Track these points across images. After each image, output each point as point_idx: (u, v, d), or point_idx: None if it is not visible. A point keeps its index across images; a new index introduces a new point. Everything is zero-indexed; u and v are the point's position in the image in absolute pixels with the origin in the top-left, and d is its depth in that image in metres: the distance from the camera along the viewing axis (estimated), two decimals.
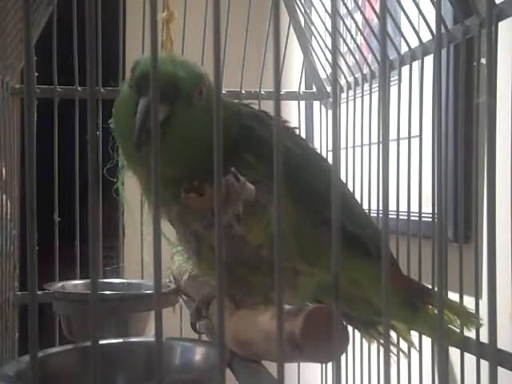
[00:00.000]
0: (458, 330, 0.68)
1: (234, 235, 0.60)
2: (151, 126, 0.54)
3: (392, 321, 0.69)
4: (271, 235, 0.59)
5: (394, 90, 0.88)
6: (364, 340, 0.82)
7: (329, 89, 1.20)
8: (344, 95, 1.07)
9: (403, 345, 0.75)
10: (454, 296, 0.71)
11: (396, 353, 0.76)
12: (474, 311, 0.67)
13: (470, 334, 0.68)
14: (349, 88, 1.05)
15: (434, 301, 0.66)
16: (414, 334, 0.74)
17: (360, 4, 1.00)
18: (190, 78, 0.58)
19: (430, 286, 0.73)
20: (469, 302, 0.69)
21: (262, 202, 0.59)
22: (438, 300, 0.61)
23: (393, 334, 0.73)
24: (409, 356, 0.76)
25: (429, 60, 0.79)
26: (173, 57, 0.60)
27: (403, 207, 0.82)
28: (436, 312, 0.64)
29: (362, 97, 1.00)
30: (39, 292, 0.99)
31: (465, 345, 0.69)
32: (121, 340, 0.68)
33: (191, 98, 0.58)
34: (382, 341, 0.71)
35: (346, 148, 1.03)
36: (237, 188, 0.56)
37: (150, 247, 1.07)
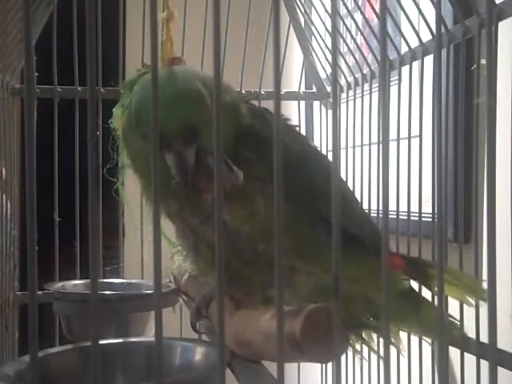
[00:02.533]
0: (457, 324, 0.67)
1: (228, 227, 0.60)
2: (187, 172, 0.56)
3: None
4: (264, 230, 0.59)
5: (394, 90, 0.88)
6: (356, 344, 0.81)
7: (329, 89, 1.20)
8: (344, 95, 1.07)
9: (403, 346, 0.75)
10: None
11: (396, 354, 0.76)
12: (476, 279, 0.66)
13: (470, 334, 0.68)
14: (349, 88, 1.05)
15: (433, 271, 0.66)
16: (413, 339, 0.73)
17: (360, 4, 1.00)
18: (197, 106, 0.57)
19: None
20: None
21: (249, 193, 0.59)
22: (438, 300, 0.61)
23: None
24: (409, 356, 0.75)
25: (429, 60, 0.79)
26: (169, 86, 0.57)
27: (403, 207, 0.82)
28: (435, 307, 0.64)
29: (362, 97, 1.00)
30: (39, 292, 0.99)
31: (465, 345, 0.69)
32: (121, 340, 0.68)
33: (207, 119, 0.56)
34: (370, 345, 0.70)
35: (346, 148, 1.03)
36: (226, 171, 0.56)
37: (150, 247, 1.07)
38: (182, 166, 0.56)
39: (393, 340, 0.70)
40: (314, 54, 1.19)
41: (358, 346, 0.73)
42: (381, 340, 0.70)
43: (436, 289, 0.64)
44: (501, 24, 0.62)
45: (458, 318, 0.69)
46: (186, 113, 0.56)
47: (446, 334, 0.61)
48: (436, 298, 0.66)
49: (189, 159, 0.56)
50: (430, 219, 0.75)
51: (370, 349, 0.70)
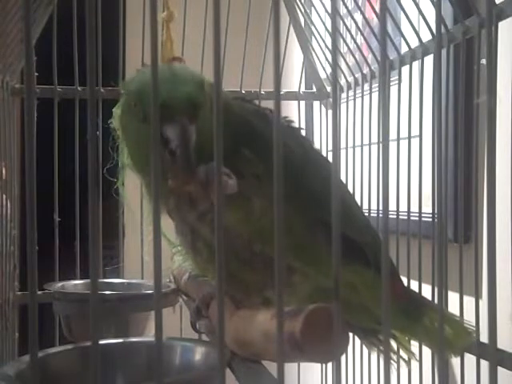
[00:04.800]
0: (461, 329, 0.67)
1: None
2: (190, 148, 0.55)
3: (393, 330, 0.68)
4: (260, 230, 0.59)
5: (394, 90, 0.88)
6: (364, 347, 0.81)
7: (329, 89, 1.20)
8: (344, 95, 1.07)
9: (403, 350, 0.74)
10: (454, 296, 0.71)
11: (396, 358, 0.75)
12: (473, 326, 0.66)
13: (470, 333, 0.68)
14: (349, 88, 1.05)
15: (431, 314, 0.65)
16: (414, 344, 0.73)
17: (360, 4, 1.00)
18: (199, 89, 0.58)
19: (430, 287, 0.73)
20: (469, 301, 0.69)
21: (245, 193, 0.59)
22: (436, 314, 0.61)
23: (392, 343, 0.72)
24: (409, 358, 0.75)
25: (429, 60, 0.79)
26: (170, 72, 0.59)
27: (403, 207, 0.82)
28: (434, 323, 0.64)
29: (362, 97, 1.00)
30: (39, 292, 0.99)
31: None
32: (121, 340, 0.68)
33: (206, 105, 0.58)
34: (382, 348, 0.70)
35: (346, 148, 1.03)
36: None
37: (150, 247, 1.07)
38: (184, 140, 0.55)
39: (398, 343, 0.70)
40: (313, 54, 1.19)
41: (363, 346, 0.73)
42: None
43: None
44: (501, 24, 0.62)
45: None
46: (190, 89, 0.57)
47: (447, 345, 0.61)
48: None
49: (191, 135, 0.56)
50: (430, 219, 0.75)
51: (378, 350, 0.70)
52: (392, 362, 0.74)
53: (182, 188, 0.59)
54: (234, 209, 0.59)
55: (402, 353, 0.74)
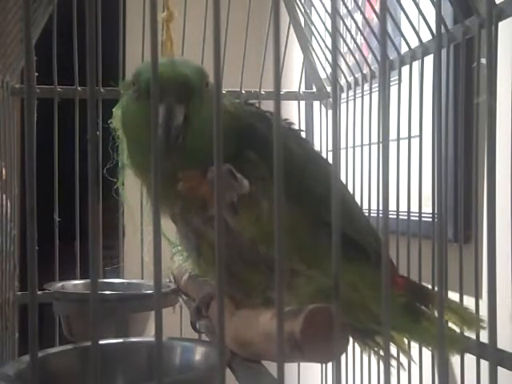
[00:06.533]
0: (458, 333, 0.67)
1: (230, 228, 0.60)
2: (172, 127, 0.55)
3: (391, 331, 0.68)
4: (266, 232, 0.59)
5: (394, 90, 0.88)
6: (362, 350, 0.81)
7: (329, 89, 1.20)
8: (344, 95, 1.07)
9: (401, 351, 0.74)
10: (454, 296, 0.71)
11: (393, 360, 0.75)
12: (475, 313, 0.67)
13: (470, 334, 0.68)
14: (349, 88, 1.05)
15: (435, 300, 0.66)
16: (414, 345, 0.73)
17: (360, 4, 1.00)
18: (196, 74, 0.59)
19: (430, 287, 0.73)
20: (469, 301, 0.69)
21: (254, 195, 0.59)
22: (438, 300, 0.61)
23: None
24: (409, 356, 0.75)
25: (429, 60, 0.79)
26: (171, 59, 0.61)
27: (403, 207, 0.82)
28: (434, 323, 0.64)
29: (362, 97, 1.00)
30: (39, 292, 0.99)
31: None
32: (121, 340, 0.68)
33: (202, 92, 0.59)
34: (378, 351, 0.70)
35: (346, 148, 1.03)
36: (231, 181, 0.56)
37: (150, 247, 1.07)
38: (168, 121, 0.55)
39: (396, 345, 0.70)
40: (313, 54, 1.19)
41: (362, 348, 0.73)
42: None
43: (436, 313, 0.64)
44: (501, 24, 0.62)
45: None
46: (184, 71, 0.58)
47: (446, 344, 0.61)
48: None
49: (177, 116, 0.56)
50: (430, 219, 0.75)
51: (374, 352, 0.70)
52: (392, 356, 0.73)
53: (194, 191, 0.59)
54: (242, 213, 0.59)
55: (399, 354, 0.74)
